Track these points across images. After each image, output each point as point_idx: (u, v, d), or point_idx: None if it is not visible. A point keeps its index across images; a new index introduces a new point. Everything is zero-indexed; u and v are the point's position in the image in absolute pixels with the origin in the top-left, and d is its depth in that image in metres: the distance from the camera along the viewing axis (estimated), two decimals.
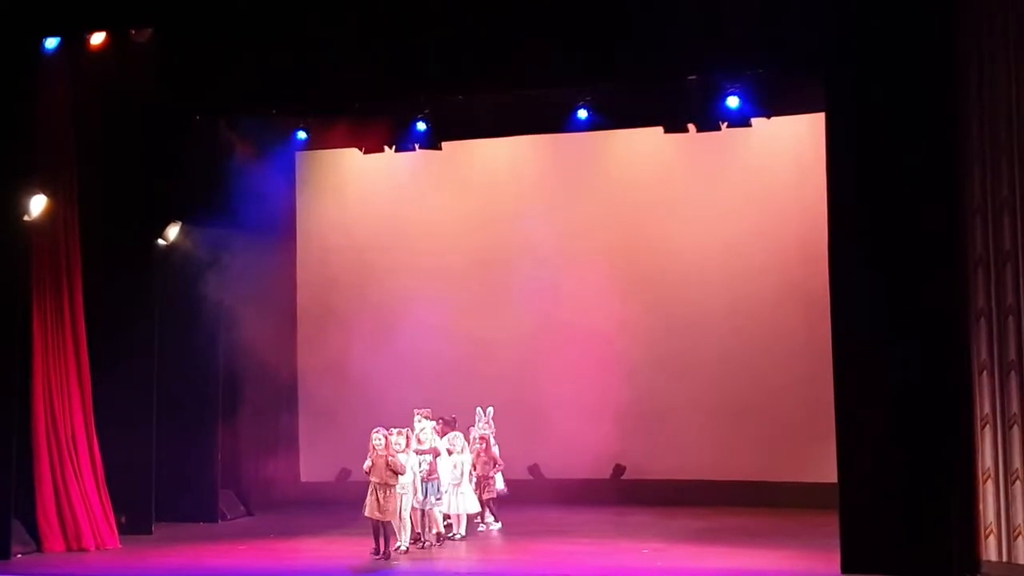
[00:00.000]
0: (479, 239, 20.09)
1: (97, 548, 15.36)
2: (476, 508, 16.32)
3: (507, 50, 14.96)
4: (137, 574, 13.93)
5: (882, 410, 13.03)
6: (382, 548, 14.33)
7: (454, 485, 15.65)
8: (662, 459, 19.12)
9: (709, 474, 18.84)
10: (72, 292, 15.79)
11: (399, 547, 14.64)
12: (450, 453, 15.64)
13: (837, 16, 13.42)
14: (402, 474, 14.35)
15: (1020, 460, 12.41)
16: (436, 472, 15.12)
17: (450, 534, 15.86)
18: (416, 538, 15.14)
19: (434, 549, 15.17)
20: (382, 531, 14.36)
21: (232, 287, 18.10)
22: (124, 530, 15.99)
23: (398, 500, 14.53)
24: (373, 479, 14.30)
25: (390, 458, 14.26)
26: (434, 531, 15.38)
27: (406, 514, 14.77)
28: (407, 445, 14.77)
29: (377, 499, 14.20)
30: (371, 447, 14.37)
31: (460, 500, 15.85)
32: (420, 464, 14.95)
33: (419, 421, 15.33)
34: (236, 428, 19.23)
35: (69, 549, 15.21)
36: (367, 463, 14.40)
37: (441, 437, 15.62)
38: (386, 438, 14.39)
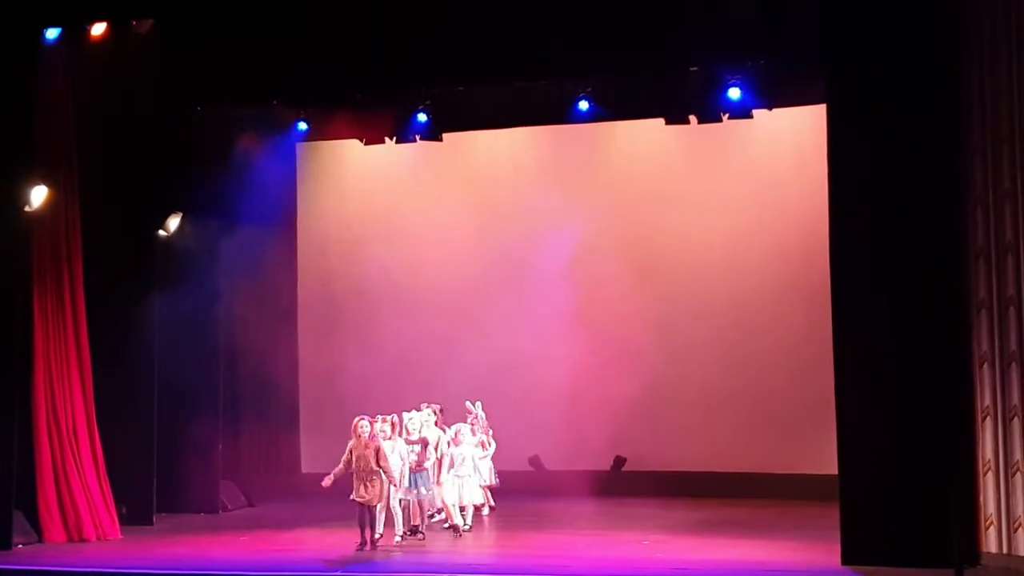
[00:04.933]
0: (479, 230, 20.07)
1: (98, 539, 15.38)
2: (481, 499, 16.35)
3: (508, 41, 14.95)
4: (138, 565, 13.91)
5: (882, 402, 13.03)
6: (368, 539, 14.30)
7: (458, 477, 15.67)
8: (662, 451, 19.15)
9: (710, 466, 18.86)
10: (73, 283, 15.80)
11: (389, 538, 14.62)
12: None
13: (838, 7, 13.40)
14: (385, 465, 14.31)
15: (1021, 452, 12.42)
16: (424, 462, 15.12)
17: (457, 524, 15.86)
18: (414, 529, 15.16)
19: (438, 540, 15.18)
20: (369, 521, 14.33)
21: (233, 278, 18.14)
22: (125, 521, 16.01)
23: (385, 487, 14.50)
24: (357, 467, 14.23)
25: (379, 448, 14.23)
26: (430, 519, 15.39)
27: (395, 503, 14.75)
28: (393, 432, 14.75)
29: (364, 485, 14.21)
30: (355, 434, 14.32)
31: (467, 491, 15.86)
32: (408, 453, 14.95)
33: (417, 414, 15.36)
34: (237, 419, 19.26)
35: (70, 540, 15.23)
36: (349, 448, 14.29)
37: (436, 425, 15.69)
38: (371, 424, 14.37)
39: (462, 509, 15.84)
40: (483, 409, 16.95)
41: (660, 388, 18.86)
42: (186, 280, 17.37)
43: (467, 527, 15.96)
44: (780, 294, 18.74)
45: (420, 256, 20.16)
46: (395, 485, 14.64)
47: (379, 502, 14.36)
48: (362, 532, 14.26)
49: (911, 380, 12.94)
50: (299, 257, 21.31)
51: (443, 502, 15.64)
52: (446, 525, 15.81)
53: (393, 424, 14.83)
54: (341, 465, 14.29)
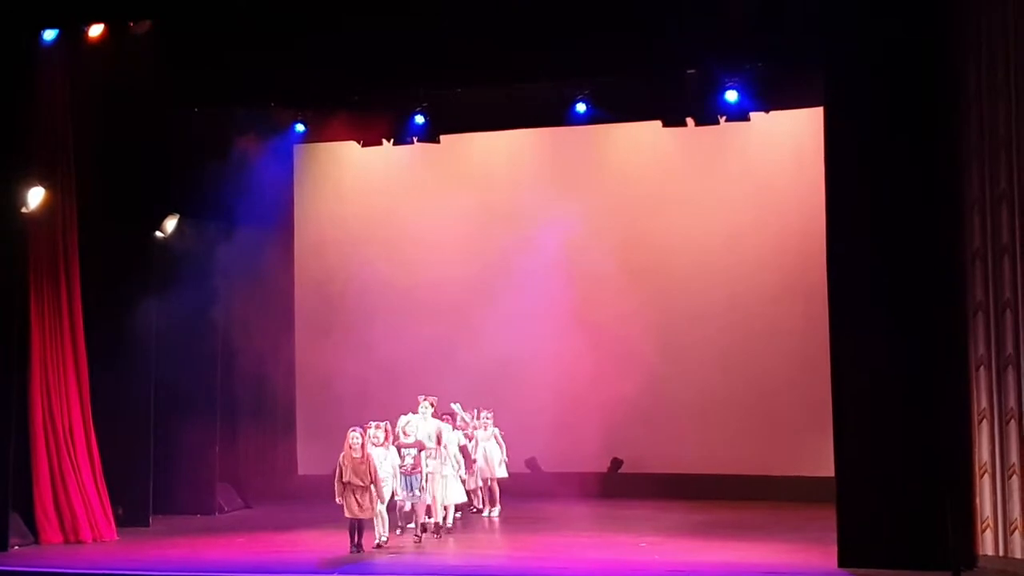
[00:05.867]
0: (477, 232, 20.07)
1: (94, 540, 15.38)
2: (462, 499, 16.34)
3: (506, 44, 14.96)
4: (134, 566, 13.89)
5: (879, 404, 13.03)
6: (360, 544, 14.29)
7: (442, 476, 15.64)
8: (660, 453, 19.14)
9: (707, 468, 18.87)
10: (70, 284, 15.79)
11: (382, 540, 14.60)
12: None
13: (835, 10, 13.41)
14: (376, 480, 14.27)
15: (1017, 455, 12.42)
16: (419, 466, 15.09)
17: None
18: (424, 527, 15.12)
19: (433, 542, 15.17)
20: (358, 528, 14.33)
21: (229, 280, 18.12)
22: (121, 522, 16.00)
23: (376, 499, 14.46)
24: (348, 480, 14.17)
25: (370, 461, 14.22)
26: (425, 520, 15.37)
27: (381, 508, 14.71)
28: (385, 439, 14.72)
29: (356, 500, 14.16)
30: (347, 446, 14.25)
31: (452, 491, 15.85)
32: (405, 458, 14.93)
33: (413, 415, 15.36)
34: (234, 421, 19.24)
35: (67, 541, 15.22)
36: (340, 461, 14.24)
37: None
38: (363, 436, 14.33)
39: (443, 508, 15.81)
40: (481, 411, 17.06)
41: (657, 390, 18.85)
42: (183, 282, 17.36)
43: (449, 526, 15.89)
44: (777, 296, 18.74)
45: (417, 258, 20.15)
46: (383, 500, 14.59)
47: (373, 514, 14.37)
48: (351, 537, 14.26)
49: (908, 382, 12.94)
50: (296, 259, 21.30)
51: (432, 499, 15.55)
52: (430, 519, 15.79)
53: (386, 432, 14.79)
54: (336, 484, 14.26)
